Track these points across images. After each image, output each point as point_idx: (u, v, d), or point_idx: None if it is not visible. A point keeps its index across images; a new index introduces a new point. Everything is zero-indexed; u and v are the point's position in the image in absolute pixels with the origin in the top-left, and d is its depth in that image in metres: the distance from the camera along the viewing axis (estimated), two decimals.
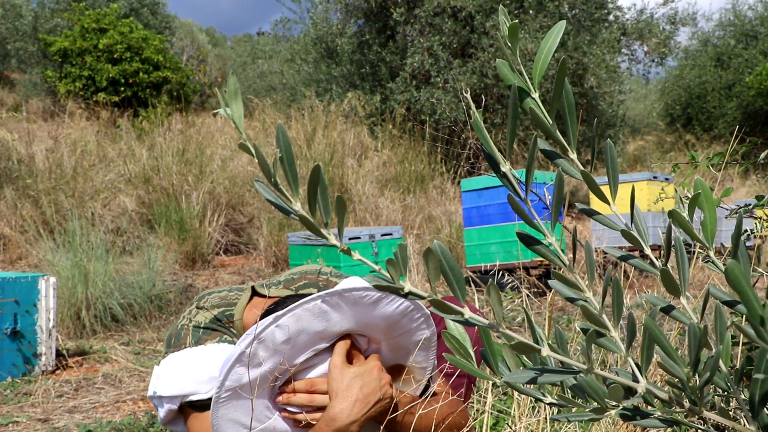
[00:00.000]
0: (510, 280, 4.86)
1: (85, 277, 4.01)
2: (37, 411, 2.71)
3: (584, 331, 0.56)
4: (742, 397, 0.59)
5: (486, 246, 5.21)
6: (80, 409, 2.74)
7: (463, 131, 8.11)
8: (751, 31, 14.41)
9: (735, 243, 0.60)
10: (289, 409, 1.16)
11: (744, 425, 0.57)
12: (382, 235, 4.41)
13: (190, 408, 1.25)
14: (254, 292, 1.41)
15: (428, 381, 1.30)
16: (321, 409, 1.14)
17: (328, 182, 6.34)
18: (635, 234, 0.62)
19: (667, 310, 0.59)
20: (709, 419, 0.56)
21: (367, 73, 9.80)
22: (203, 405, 1.24)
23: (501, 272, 5.01)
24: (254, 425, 1.13)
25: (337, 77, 10.14)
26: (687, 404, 0.55)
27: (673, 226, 0.63)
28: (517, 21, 0.58)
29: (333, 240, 0.53)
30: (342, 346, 1.16)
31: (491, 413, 2.01)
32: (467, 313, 0.51)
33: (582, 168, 0.58)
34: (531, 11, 8.73)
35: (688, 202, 0.67)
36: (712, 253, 0.68)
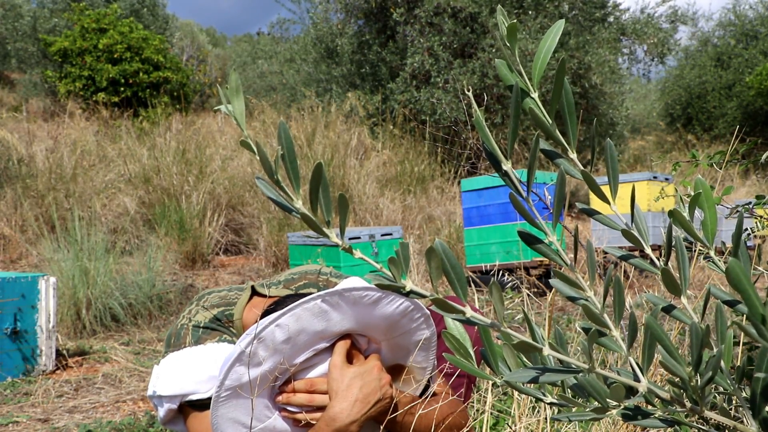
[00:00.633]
0: (510, 280, 4.86)
1: (85, 277, 4.01)
2: (37, 411, 2.70)
3: (585, 330, 0.56)
4: (744, 395, 0.59)
5: (486, 246, 5.21)
6: (80, 409, 2.74)
7: (463, 131, 8.11)
8: (751, 31, 14.41)
9: (736, 242, 0.60)
10: (288, 408, 1.16)
11: (746, 425, 0.57)
12: (382, 235, 4.41)
13: (190, 407, 1.25)
14: (254, 292, 1.41)
15: (428, 381, 1.30)
16: (321, 408, 1.14)
17: (328, 182, 6.33)
18: (636, 234, 0.62)
19: (668, 309, 0.59)
20: (711, 419, 0.56)
21: (367, 74, 9.80)
22: (203, 404, 1.24)
23: (501, 272, 5.01)
24: (254, 424, 1.13)
25: (337, 77, 10.14)
26: (688, 404, 0.54)
27: (673, 226, 0.63)
28: (515, 21, 0.58)
29: (334, 238, 0.53)
30: (342, 346, 1.16)
31: (491, 413, 2.01)
32: (469, 312, 0.50)
33: (582, 168, 0.58)
34: (530, 11, 8.73)
35: (688, 201, 0.67)
36: (712, 253, 0.68)
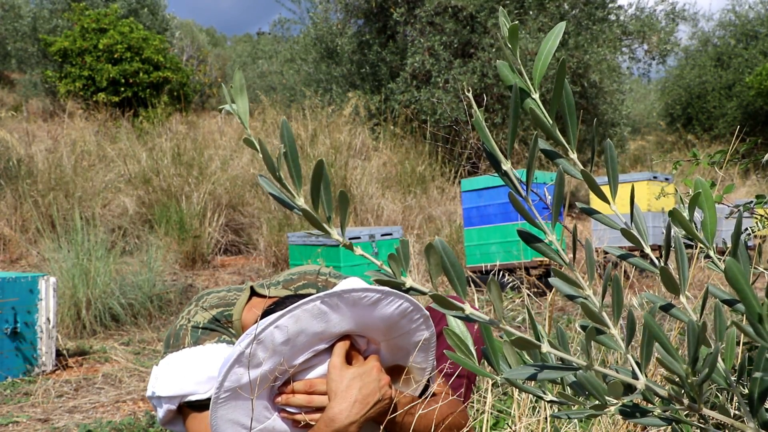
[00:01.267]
0: (510, 280, 4.86)
1: (85, 277, 4.01)
2: (37, 411, 2.71)
3: (584, 328, 0.56)
4: (743, 392, 0.59)
5: (486, 246, 5.21)
6: (80, 409, 2.74)
7: (463, 131, 8.11)
8: (751, 31, 14.42)
9: (735, 242, 0.60)
10: (288, 409, 1.16)
11: (744, 423, 0.57)
12: (382, 235, 4.41)
13: (189, 408, 1.25)
14: (253, 292, 1.41)
15: (427, 382, 1.30)
16: (320, 409, 1.14)
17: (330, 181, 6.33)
18: (635, 233, 0.62)
19: (667, 308, 0.59)
20: (709, 417, 0.56)
21: (368, 73, 9.80)
22: (202, 405, 1.24)
23: (501, 272, 5.01)
24: (253, 425, 1.13)
25: (337, 77, 10.14)
26: (686, 401, 0.55)
27: (672, 226, 0.63)
28: (517, 22, 0.58)
29: (335, 235, 0.53)
30: (341, 347, 1.16)
31: (491, 413, 2.01)
32: (468, 309, 0.51)
33: (582, 168, 0.58)
34: (532, 11, 8.73)
35: (688, 200, 0.67)
36: (712, 253, 0.68)
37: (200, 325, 1.32)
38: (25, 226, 5.63)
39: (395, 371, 1.26)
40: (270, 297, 1.39)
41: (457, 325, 0.61)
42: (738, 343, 1.60)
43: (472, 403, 1.83)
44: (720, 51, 14.47)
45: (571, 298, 0.58)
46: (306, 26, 11.97)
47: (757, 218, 1.97)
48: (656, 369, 1.63)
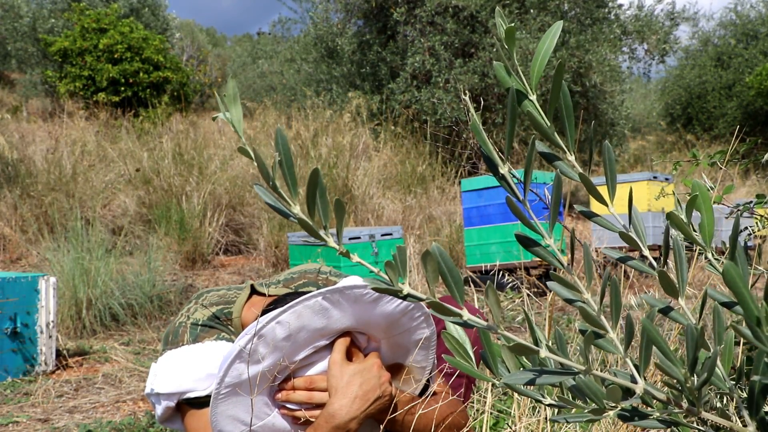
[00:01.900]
0: (510, 280, 4.86)
1: (85, 277, 4.01)
2: (37, 411, 2.71)
3: (582, 332, 0.56)
4: (743, 395, 0.59)
5: (486, 246, 5.21)
6: (80, 409, 2.74)
7: (464, 131, 8.12)
8: (751, 31, 14.41)
9: (732, 244, 0.60)
10: (288, 405, 1.16)
11: (744, 426, 0.57)
12: (382, 235, 4.41)
13: (188, 405, 1.25)
14: (253, 291, 1.41)
15: (428, 380, 1.30)
16: (320, 406, 1.15)
17: (330, 183, 6.34)
18: (633, 235, 0.62)
19: (665, 311, 0.59)
20: (708, 420, 0.56)
21: (368, 74, 9.80)
22: (201, 402, 1.24)
23: (501, 272, 5.01)
24: (253, 422, 1.14)
25: (338, 77, 10.14)
26: (685, 405, 0.55)
27: (671, 228, 0.63)
28: (513, 24, 0.58)
29: (332, 242, 0.53)
30: (342, 344, 1.16)
31: (491, 413, 2.01)
32: (465, 315, 0.51)
33: (580, 170, 0.58)
34: (532, 10, 8.73)
35: (687, 201, 0.67)
36: (710, 255, 0.69)
37: (200, 323, 1.32)
38: (25, 226, 5.63)
39: (395, 369, 1.27)
40: (270, 295, 1.39)
41: (455, 328, 0.61)
42: (737, 344, 1.60)
43: (472, 403, 1.83)
44: (720, 51, 14.47)
45: (569, 301, 0.58)
46: (306, 26, 11.97)
47: (757, 218, 1.97)
48: (655, 371, 1.63)
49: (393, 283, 0.50)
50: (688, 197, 0.68)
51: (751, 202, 1.86)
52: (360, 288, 1.10)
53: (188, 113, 10.33)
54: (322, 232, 0.52)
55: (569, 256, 0.61)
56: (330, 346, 1.17)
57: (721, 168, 1.98)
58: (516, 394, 1.63)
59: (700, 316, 0.61)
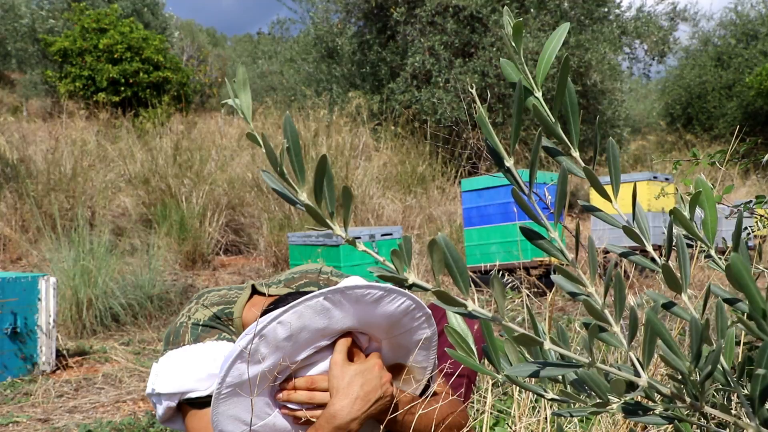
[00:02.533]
0: (510, 280, 4.85)
1: (85, 277, 4.01)
2: (37, 411, 2.71)
3: (586, 326, 0.56)
4: (744, 392, 0.59)
5: (486, 246, 5.21)
6: (80, 409, 2.74)
7: (464, 131, 8.12)
8: (751, 31, 14.41)
9: (736, 240, 0.60)
10: (289, 406, 1.16)
11: (746, 422, 0.57)
12: (383, 235, 4.41)
13: (189, 405, 1.25)
14: (254, 291, 1.41)
15: (428, 381, 1.30)
16: (321, 406, 1.14)
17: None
18: (637, 231, 0.62)
19: (668, 306, 0.59)
20: (711, 415, 0.56)
21: (368, 73, 9.80)
22: (202, 402, 1.23)
23: (501, 272, 5.01)
24: (254, 422, 1.13)
25: (338, 77, 10.14)
26: (688, 399, 0.55)
27: (674, 225, 0.63)
28: (521, 20, 0.58)
29: (338, 231, 0.53)
30: (343, 344, 1.16)
31: (491, 413, 2.01)
32: (470, 305, 0.51)
33: (584, 165, 0.58)
34: (532, 10, 8.73)
35: (689, 200, 0.67)
36: (713, 251, 0.68)
37: (200, 323, 1.32)
38: (25, 226, 5.63)
39: (396, 370, 1.26)
40: (271, 295, 1.39)
41: (458, 323, 0.61)
42: (738, 343, 1.60)
43: (472, 403, 1.83)
44: (720, 51, 14.47)
45: (573, 295, 0.58)
46: (306, 26, 11.98)
47: (757, 218, 1.97)
48: (656, 368, 1.63)
49: (398, 272, 0.50)
50: (689, 196, 0.68)
51: (750, 202, 1.86)
52: (361, 288, 1.10)
53: (188, 113, 10.33)
54: (328, 220, 0.52)
55: (573, 252, 0.61)
56: (331, 347, 1.17)
57: (720, 168, 1.98)
58: (516, 394, 1.63)
59: (703, 312, 0.61)
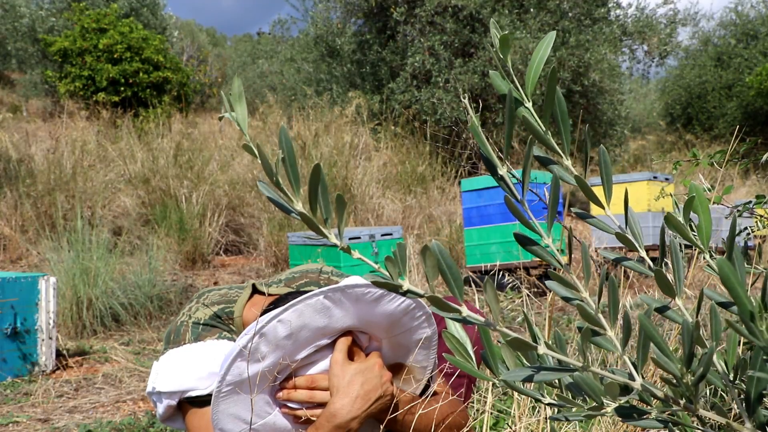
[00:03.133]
0: (510, 280, 4.86)
1: (85, 277, 4.02)
2: (37, 411, 2.71)
3: (581, 329, 0.57)
4: (741, 392, 0.60)
5: (486, 246, 5.21)
6: (80, 409, 2.75)
7: (464, 131, 8.12)
8: (751, 31, 14.41)
9: (730, 244, 0.61)
10: (289, 404, 1.17)
11: (741, 424, 0.58)
12: (382, 235, 4.41)
13: (189, 404, 1.26)
14: (254, 290, 1.41)
15: (428, 380, 1.30)
16: (321, 405, 1.15)
17: (330, 183, 6.35)
18: (630, 236, 0.62)
19: (662, 309, 0.59)
20: (706, 418, 0.57)
21: (368, 73, 9.80)
22: (202, 401, 1.24)
23: (501, 272, 5.01)
24: (254, 420, 1.14)
25: (338, 77, 10.14)
26: (683, 402, 0.55)
27: (666, 228, 0.63)
28: (507, 33, 0.59)
29: (333, 238, 0.54)
30: (343, 343, 1.16)
31: (491, 413, 2.01)
32: (465, 312, 0.51)
33: (576, 173, 0.59)
34: (532, 9, 8.73)
35: (684, 202, 0.68)
36: (707, 256, 0.69)
37: (201, 322, 1.33)
38: (25, 226, 5.63)
39: (396, 369, 1.27)
40: (271, 295, 1.39)
41: (455, 328, 0.61)
42: (739, 343, 1.61)
43: (472, 403, 1.84)
44: (720, 51, 14.47)
45: (567, 300, 0.58)
46: (306, 25, 11.98)
47: (757, 218, 1.98)
48: (654, 372, 1.63)
49: (393, 279, 0.51)
50: (687, 198, 0.68)
51: (750, 202, 1.87)
52: (361, 287, 1.10)
53: (188, 113, 10.33)
54: (323, 228, 0.53)
55: (568, 255, 0.61)
56: (331, 346, 1.17)
57: (720, 168, 1.99)
58: (516, 394, 1.64)
59: (697, 315, 0.62)
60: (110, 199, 6.28)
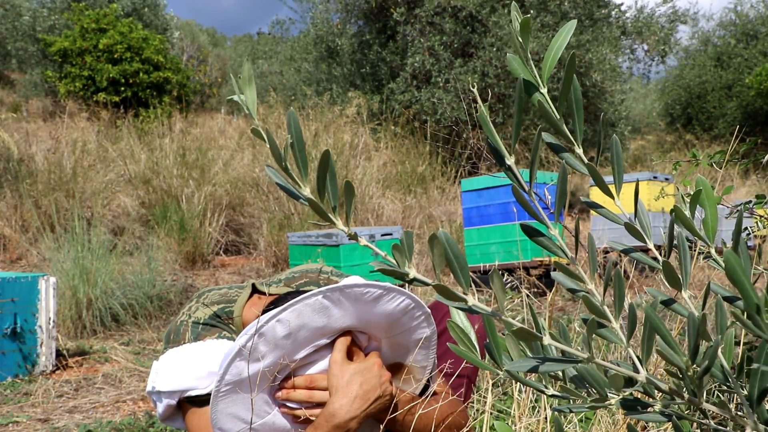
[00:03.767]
0: (510, 280, 4.86)
1: (85, 277, 4.01)
2: (37, 411, 2.71)
3: (586, 321, 0.56)
4: (744, 393, 0.59)
5: (486, 246, 5.21)
6: (80, 409, 2.74)
7: (464, 131, 8.12)
8: (751, 31, 14.42)
9: (735, 239, 0.60)
10: (288, 404, 1.16)
11: (744, 417, 0.57)
12: (382, 235, 4.41)
13: (189, 403, 1.25)
14: (254, 290, 1.41)
15: (428, 380, 1.30)
16: (320, 405, 1.15)
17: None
18: (638, 228, 0.62)
19: (668, 302, 0.59)
20: (709, 411, 0.56)
21: (368, 73, 9.80)
22: (202, 400, 1.24)
23: (501, 272, 5.01)
24: (253, 420, 1.14)
25: (338, 77, 10.14)
26: (687, 395, 0.55)
27: (675, 223, 0.63)
28: (528, 16, 0.59)
29: (341, 225, 0.53)
30: (342, 343, 1.16)
31: (491, 413, 2.01)
32: (471, 300, 0.51)
33: (587, 161, 0.58)
34: (532, 10, 8.74)
35: (689, 199, 0.68)
36: (713, 251, 0.69)
37: (201, 321, 1.33)
38: (25, 226, 5.63)
39: (396, 369, 1.26)
40: (271, 294, 1.39)
41: (459, 318, 0.61)
42: (738, 343, 1.60)
43: (472, 403, 1.83)
44: (720, 51, 14.48)
45: (573, 292, 0.58)
46: (306, 26, 11.99)
47: (756, 218, 1.97)
48: (657, 366, 1.63)
49: (400, 266, 0.50)
50: (689, 197, 0.68)
51: (750, 202, 1.87)
52: (360, 286, 1.10)
53: (188, 114, 10.33)
54: (331, 215, 0.52)
55: (572, 251, 0.61)
56: (330, 345, 1.17)
57: (720, 168, 1.99)
58: (516, 394, 1.63)
59: (703, 309, 0.61)
60: (110, 199, 6.28)
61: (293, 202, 5.96)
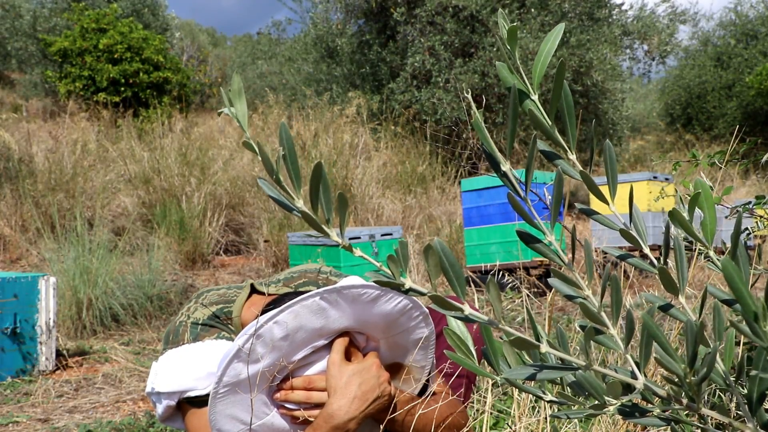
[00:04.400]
0: (510, 280, 4.85)
1: (85, 277, 4.01)
2: (37, 411, 2.71)
3: (583, 328, 0.56)
4: (743, 392, 0.59)
5: (486, 246, 5.21)
6: (80, 409, 2.74)
7: (464, 131, 8.12)
8: (751, 31, 14.42)
9: (734, 242, 0.60)
10: (286, 405, 1.16)
11: (744, 423, 0.57)
12: (382, 235, 4.41)
13: (188, 404, 1.25)
14: (253, 290, 1.41)
15: (427, 380, 1.30)
16: (319, 406, 1.15)
17: (330, 183, 6.32)
18: (634, 233, 0.62)
19: (666, 308, 0.59)
20: (708, 417, 0.56)
21: (368, 73, 9.80)
22: (201, 401, 1.24)
23: (501, 272, 5.01)
24: (252, 421, 1.14)
25: (338, 77, 10.14)
26: (685, 401, 0.55)
27: (671, 225, 0.63)
28: (515, 24, 0.58)
29: (334, 237, 0.53)
30: (340, 344, 1.16)
31: (491, 413, 2.01)
32: (467, 310, 0.51)
33: (581, 168, 0.58)
34: (533, 9, 8.73)
35: (688, 201, 0.68)
36: (712, 253, 0.69)
37: (200, 322, 1.33)
38: (25, 226, 5.63)
39: (394, 369, 1.26)
40: (270, 294, 1.39)
41: (457, 325, 0.61)
42: (737, 344, 1.60)
43: (472, 403, 1.83)
44: (720, 51, 14.47)
45: (570, 298, 0.58)
46: (306, 26, 11.98)
47: (756, 218, 1.97)
48: (656, 369, 1.63)
49: (395, 277, 0.50)
50: (688, 198, 0.68)
51: (750, 202, 1.86)
52: (358, 288, 1.10)
53: (188, 113, 10.34)
54: (325, 227, 0.52)
55: (570, 253, 0.61)
56: (329, 346, 1.17)
57: (720, 168, 1.99)
58: (516, 394, 1.63)
59: (701, 314, 0.61)
60: (110, 199, 6.28)
61: None
